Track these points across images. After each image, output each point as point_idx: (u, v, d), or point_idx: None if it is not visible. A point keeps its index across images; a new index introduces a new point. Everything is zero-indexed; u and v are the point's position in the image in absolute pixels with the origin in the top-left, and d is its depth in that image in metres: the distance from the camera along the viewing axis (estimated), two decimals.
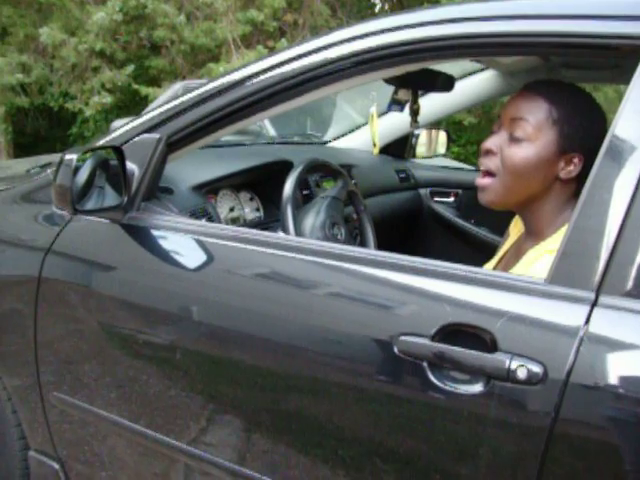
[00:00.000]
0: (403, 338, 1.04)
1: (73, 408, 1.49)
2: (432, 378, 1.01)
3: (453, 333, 1.01)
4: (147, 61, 9.34)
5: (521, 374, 0.94)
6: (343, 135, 2.99)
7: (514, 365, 0.95)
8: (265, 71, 1.29)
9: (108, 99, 8.62)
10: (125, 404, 1.41)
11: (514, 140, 1.21)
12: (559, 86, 1.26)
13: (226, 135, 1.45)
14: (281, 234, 1.49)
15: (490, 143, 1.25)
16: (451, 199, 2.86)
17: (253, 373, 1.23)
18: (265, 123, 5.55)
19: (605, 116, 1.24)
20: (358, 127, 2.96)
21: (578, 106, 1.23)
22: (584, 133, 1.21)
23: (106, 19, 8.05)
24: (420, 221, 2.89)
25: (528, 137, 1.20)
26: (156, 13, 8.28)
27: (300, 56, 1.26)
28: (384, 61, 1.20)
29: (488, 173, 1.25)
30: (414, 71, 1.75)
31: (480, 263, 1.55)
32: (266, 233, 1.30)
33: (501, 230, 2.51)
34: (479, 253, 2.71)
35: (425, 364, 1.02)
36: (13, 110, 10.15)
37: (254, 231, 1.30)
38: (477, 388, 0.98)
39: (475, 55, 1.39)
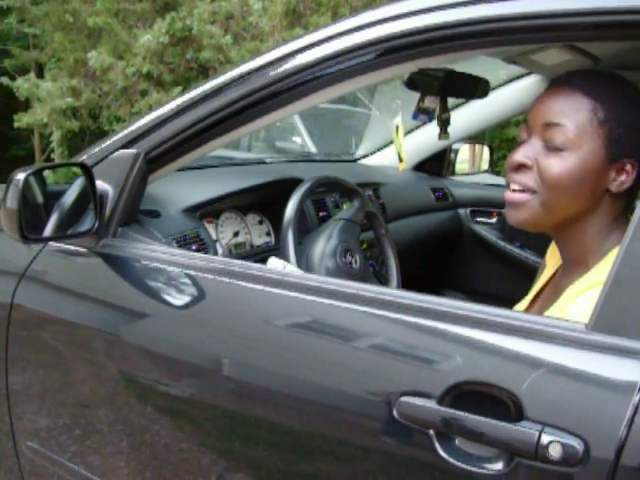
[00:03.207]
0: (404, 399, 0.84)
1: (46, 460, 1.32)
2: (440, 451, 0.81)
3: (466, 394, 0.81)
4: (194, 82, 9.36)
5: (554, 452, 0.73)
6: (378, 150, 2.79)
7: (545, 440, 0.74)
8: (263, 68, 1.08)
9: None
10: (104, 458, 1.23)
11: (552, 150, 0.98)
12: (598, 76, 1.01)
13: (218, 148, 1.26)
14: (278, 262, 1.28)
15: (521, 155, 1.01)
16: (494, 220, 2.65)
17: (248, 424, 1.04)
18: (306, 140, 5.39)
19: None
20: (392, 142, 2.75)
21: (627, 99, 0.98)
22: (638, 134, 0.97)
23: (152, 42, 8.10)
24: (459, 244, 2.69)
25: (569, 145, 0.96)
26: (202, 34, 8.29)
27: (300, 51, 1.05)
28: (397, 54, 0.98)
29: (523, 190, 1.01)
30: (441, 76, 1.54)
31: (526, 290, 1.32)
32: (248, 264, 1.09)
33: None
34: (525, 279, 2.47)
35: (432, 433, 0.82)
36: (69, 134, 10.30)
37: (238, 262, 1.11)
38: (496, 467, 0.78)
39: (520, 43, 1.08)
